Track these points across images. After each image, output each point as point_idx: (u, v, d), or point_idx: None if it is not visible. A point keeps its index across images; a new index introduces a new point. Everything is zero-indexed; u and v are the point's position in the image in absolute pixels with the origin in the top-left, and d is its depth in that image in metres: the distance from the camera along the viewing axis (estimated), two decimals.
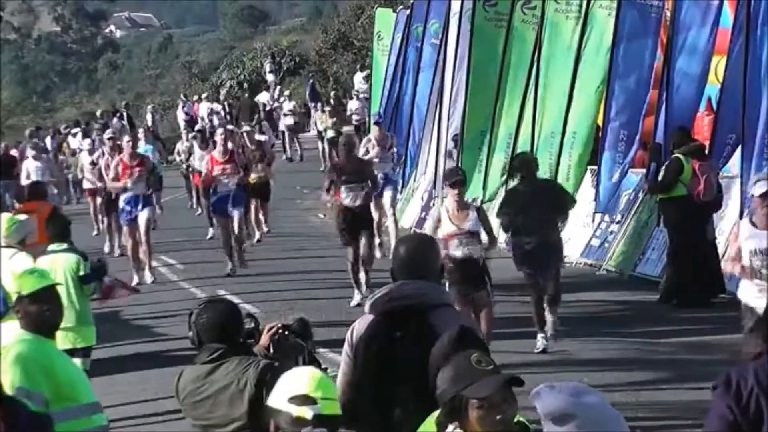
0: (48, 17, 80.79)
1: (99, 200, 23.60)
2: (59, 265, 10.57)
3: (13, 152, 30.87)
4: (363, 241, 15.66)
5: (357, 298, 15.26)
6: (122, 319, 16.30)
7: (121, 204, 18.53)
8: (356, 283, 15.67)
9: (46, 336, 6.41)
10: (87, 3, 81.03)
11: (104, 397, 9.55)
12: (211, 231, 22.76)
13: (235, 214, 18.49)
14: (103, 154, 21.81)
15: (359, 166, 16.07)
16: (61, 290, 10.09)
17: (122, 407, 11.07)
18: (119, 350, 13.98)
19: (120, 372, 12.85)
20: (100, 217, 24.92)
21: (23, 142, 33.34)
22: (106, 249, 22.10)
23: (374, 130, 20.27)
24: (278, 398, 4.57)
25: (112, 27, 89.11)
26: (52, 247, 10.82)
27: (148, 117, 43.10)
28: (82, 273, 10.70)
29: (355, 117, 35.34)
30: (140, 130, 29.56)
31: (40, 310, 6.38)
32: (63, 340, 10.01)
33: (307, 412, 4.46)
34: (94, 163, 23.05)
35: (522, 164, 13.11)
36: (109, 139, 21.86)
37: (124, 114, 42.08)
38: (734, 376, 5.41)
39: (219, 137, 19.36)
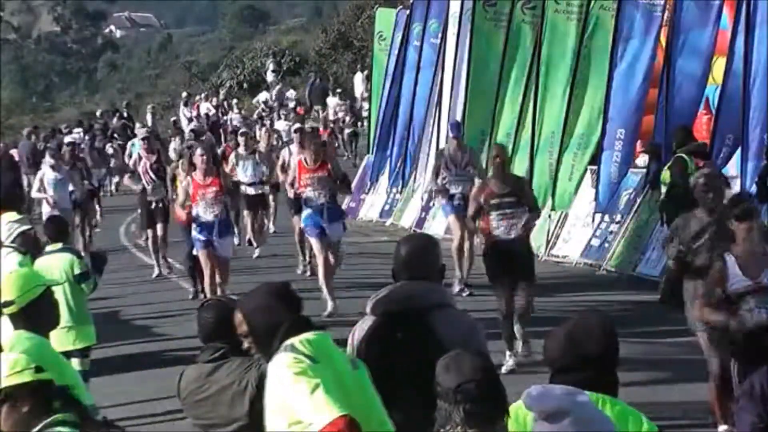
0: (48, 17, 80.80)
1: (141, 210, 20.06)
2: (56, 265, 10.58)
3: (13, 152, 30.83)
4: (520, 291, 11.91)
5: (509, 363, 11.75)
6: (122, 319, 16.30)
7: (194, 232, 15.13)
8: (508, 340, 11.95)
9: (44, 337, 6.41)
10: (87, 3, 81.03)
11: (104, 397, 9.56)
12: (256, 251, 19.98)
13: (333, 236, 15.14)
14: (140, 157, 19.37)
15: (516, 186, 12.33)
16: (58, 289, 10.16)
17: (122, 407, 11.06)
18: (119, 350, 13.97)
19: (120, 372, 12.84)
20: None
21: (21, 142, 33.26)
22: (155, 273, 19.38)
23: (451, 144, 16.59)
24: None
25: (112, 27, 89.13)
26: (48, 247, 10.85)
27: (148, 117, 43.10)
28: (78, 272, 10.70)
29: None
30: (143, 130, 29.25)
31: (45, 311, 6.38)
32: (61, 340, 10.00)
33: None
34: (132, 170, 19.88)
35: (712, 181, 9.36)
36: (143, 139, 19.88)
37: (125, 114, 42.10)
38: (757, 383, 5.37)
39: (309, 141, 16.09)
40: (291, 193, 16.16)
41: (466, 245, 16.03)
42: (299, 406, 4.94)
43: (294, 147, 18.08)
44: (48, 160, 20.26)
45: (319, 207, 15.00)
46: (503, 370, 11.32)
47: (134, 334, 15.13)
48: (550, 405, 4.17)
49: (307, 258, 17.83)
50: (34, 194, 20.11)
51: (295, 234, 18.05)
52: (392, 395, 5.72)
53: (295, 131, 18.92)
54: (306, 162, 15.21)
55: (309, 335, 5.12)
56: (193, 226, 15.06)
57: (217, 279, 14.98)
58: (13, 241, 10.52)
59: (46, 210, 19.36)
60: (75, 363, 10.16)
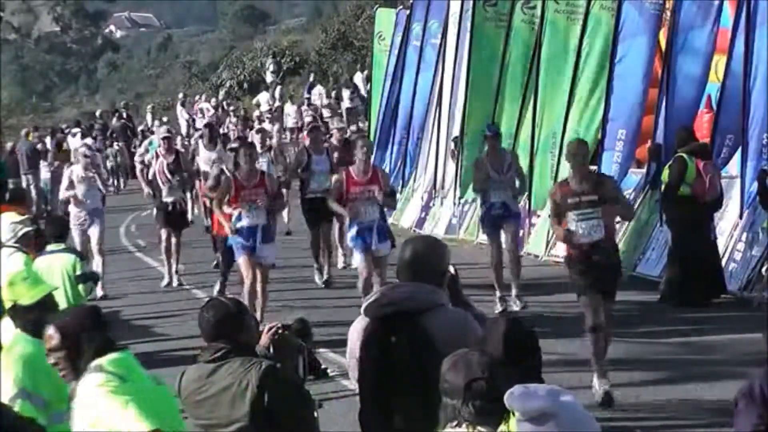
0: (48, 17, 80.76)
1: (157, 212, 18.61)
2: (57, 266, 10.58)
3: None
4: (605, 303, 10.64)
5: (599, 388, 10.51)
6: (122, 319, 16.30)
7: (234, 237, 13.89)
8: (597, 357, 10.69)
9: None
10: (87, 3, 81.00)
11: None
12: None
13: (382, 252, 13.70)
14: (157, 156, 18.33)
15: (597, 184, 10.81)
16: (59, 290, 10.15)
17: None
18: None
19: None
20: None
21: (20, 142, 33.25)
22: (164, 281, 18.37)
23: (488, 148, 15.15)
24: None
25: (112, 27, 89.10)
26: (50, 247, 10.84)
27: (148, 117, 43.11)
28: (79, 273, 10.69)
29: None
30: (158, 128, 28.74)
31: (38, 318, 6.38)
32: None
33: None
34: (146, 166, 18.73)
35: None
36: (163, 138, 18.58)
37: (124, 114, 42.08)
38: (756, 384, 5.36)
39: (360, 149, 14.15)
40: (337, 208, 14.48)
41: (507, 257, 14.84)
42: (112, 422, 5.22)
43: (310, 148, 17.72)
44: (82, 159, 18.44)
45: (370, 224, 13.73)
46: (598, 398, 10.29)
47: (134, 334, 15.12)
48: (533, 406, 4.19)
49: (325, 267, 17.47)
50: (63, 194, 18.30)
51: (310, 243, 17.68)
52: (392, 397, 5.72)
53: (309, 131, 18.47)
54: (354, 173, 13.85)
55: (116, 355, 5.46)
56: (233, 229, 13.83)
57: (258, 287, 13.76)
58: (17, 242, 10.52)
59: (74, 211, 17.74)
60: None
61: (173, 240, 18.14)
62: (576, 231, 10.56)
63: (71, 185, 17.77)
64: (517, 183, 15.05)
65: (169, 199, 17.95)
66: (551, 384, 4.41)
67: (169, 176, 17.86)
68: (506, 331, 4.93)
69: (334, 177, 14.74)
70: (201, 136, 21.21)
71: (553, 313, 14.22)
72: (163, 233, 18.21)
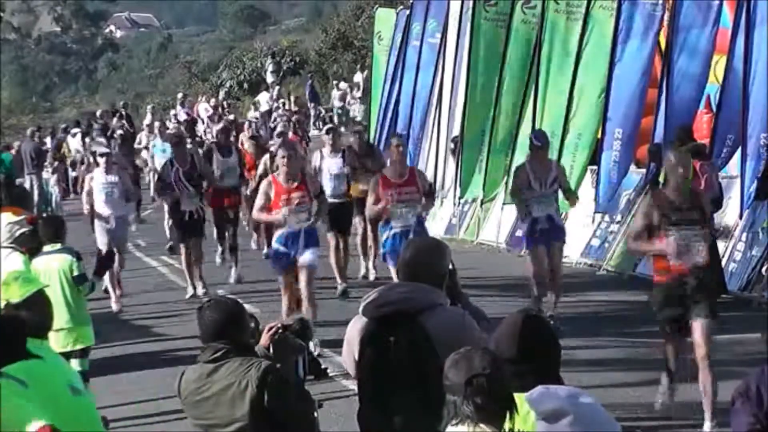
0: (48, 17, 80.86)
1: (172, 224, 17.71)
2: (53, 266, 10.56)
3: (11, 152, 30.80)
4: (698, 331, 9.46)
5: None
6: (122, 319, 16.31)
7: (274, 243, 13.04)
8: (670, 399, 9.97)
9: (38, 339, 6.40)
10: (87, 3, 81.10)
11: (104, 397, 9.56)
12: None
13: None
14: (172, 163, 17.07)
15: (696, 200, 9.62)
16: (56, 291, 10.15)
17: (122, 407, 11.07)
18: (119, 350, 13.98)
19: (120, 372, 12.85)
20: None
21: (25, 142, 33.21)
22: (189, 292, 17.14)
23: (534, 157, 13.68)
24: None
25: (112, 27, 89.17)
26: (46, 248, 10.78)
27: (149, 117, 43.07)
28: (76, 273, 10.67)
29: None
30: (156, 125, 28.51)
31: (28, 317, 6.36)
32: (60, 341, 10.02)
33: None
34: (160, 176, 17.46)
35: None
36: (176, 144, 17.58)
37: (123, 114, 42.05)
38: (753, 383, 5.37)
39: (395, 149, 13.60)
40: (372, 212, 13.98)
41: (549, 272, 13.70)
42: (11, 421, 5.22)
43: (326, 150, 16.95)
44: (101, 160, 17.12)
45: (407, 228, 13.15)
46: None
47: (134, 334, 15.13)
48: (550, 406, 4.19)
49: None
50: (86, 206, 17.11)
51: (330, 251, 16.79)
52: (390, 397, 5.73)
53: (326, 132, 17.65)
54: (390, 175, 13.35)
55: (19, 363, 5.45)
56: (274, 236, 13.09)
57: (304, 292, 12.82)
58: (14, 242, 10.50)
59: (99, 227, 16.83)
60: (75, 363, 10.16)
61: (194, 249, 17.12)
62: (675, 252, 9.33)
63: (90, 195, 16.84)
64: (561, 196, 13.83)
65: (186, 208, 16.91)
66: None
67: (185, 183, 16.86)
68: (522, 327, 4.85)
69: (371, 180, 14.08)
70: (215, 143, 19.39)
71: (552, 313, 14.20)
72: (183, 248, 17.27)
